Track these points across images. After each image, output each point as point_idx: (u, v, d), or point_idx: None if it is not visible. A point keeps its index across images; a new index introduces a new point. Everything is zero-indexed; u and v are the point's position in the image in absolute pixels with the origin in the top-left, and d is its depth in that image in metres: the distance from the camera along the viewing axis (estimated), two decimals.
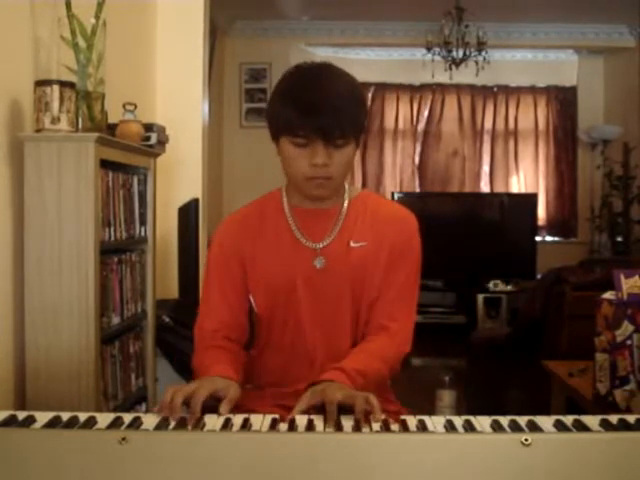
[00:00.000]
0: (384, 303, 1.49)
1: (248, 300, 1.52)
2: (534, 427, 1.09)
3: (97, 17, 2.13)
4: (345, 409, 1.17)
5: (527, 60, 6.81)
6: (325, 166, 1.36)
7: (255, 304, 1.51)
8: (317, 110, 1.32)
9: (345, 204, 1.50)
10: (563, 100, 6.76)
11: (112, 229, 2.21)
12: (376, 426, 1.13)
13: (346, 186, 1.52)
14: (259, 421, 1.13)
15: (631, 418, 1.13)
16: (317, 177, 1.38)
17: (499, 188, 6.79)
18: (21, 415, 1.10)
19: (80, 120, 2.11)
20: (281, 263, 1.47)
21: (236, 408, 1.29)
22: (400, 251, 1.49)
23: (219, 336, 1.48)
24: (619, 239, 6.18)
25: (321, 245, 1.47)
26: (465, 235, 5.99)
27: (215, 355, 1.42)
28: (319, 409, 1.19)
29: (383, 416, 1.15)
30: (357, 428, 1.11)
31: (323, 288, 1.46)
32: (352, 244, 1.47)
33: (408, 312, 1.52)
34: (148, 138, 2.58)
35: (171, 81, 3.44)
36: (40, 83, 2.01)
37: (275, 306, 1.48)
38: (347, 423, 1.13)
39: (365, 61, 6.62)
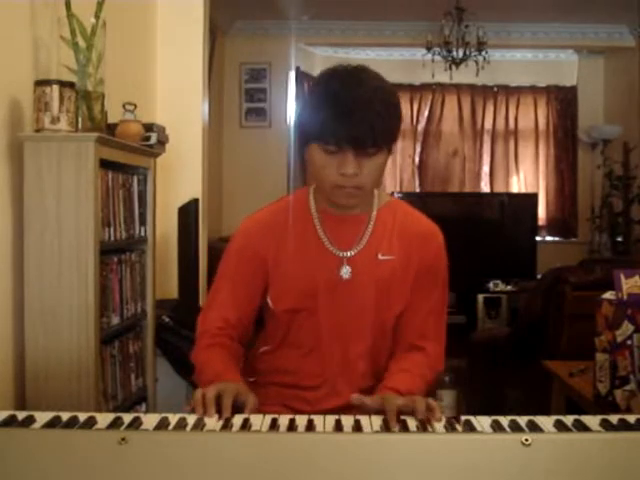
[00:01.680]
0: (416, 323, 1.48)
1: (259, 301, 1.50)
2: (534, 427, 1.08)
3: (97, 17, 2.13)
4: (405, 413, 1.17)
5: (527, 60, 6.81)
6: (355, 176, 1.32)
7: (273, 305, 1.48)
8: (349, 119, 1.28)
9: (374, 213, 1.48)
10: (563, 100, 6.76)
11: (112, 229, 2.21)
12: (376, 426, 1.13)
13: (375, 192, 1.49)
14: (259, 421, 1.13)
15: (631, 418, 1.13)
16: (346, 186, 1.34)
17: (499, 188, 6.79)
18: (21, 415, 1.10)
19: (80, 120, 2.11)
20: (305, 268, 1.44)
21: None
22: (428, 269, 1.48)
23: (222, 334, 1.46)
24: (619, 239, 6.18)
25: (348, 254, 1.45)
26: (465, 235, 5.98)
27: (222, 357, 1.42)
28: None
29: (443, 417, 1.15)
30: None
31: (346, 298, 1.44)
32: (380, 257, 1.45)
33: (440, 331, 1.52)
34: (148, 138, 2.58)
35: (171, 81, 3.44)
36: (40, 83, 2.01)
37: (294, 310, 1.46)
38: (347, 423, 1.13)
39: (365, 61, 6.52)
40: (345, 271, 1.44)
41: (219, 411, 1.17)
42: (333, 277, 1.44)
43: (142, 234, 2.52)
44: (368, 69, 1.39)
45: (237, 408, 1.21)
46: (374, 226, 1.47)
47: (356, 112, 1.28)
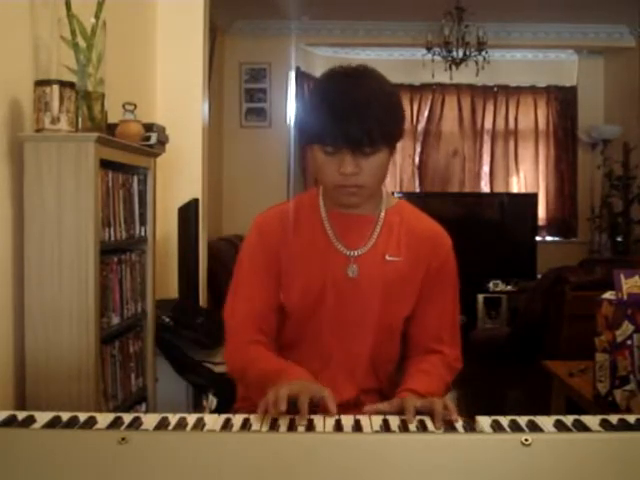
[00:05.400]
0: (430, 327, 1.50)
1: (279, 293, 1.49)
2: (534, 427, 1.09)
3: (97, 17, 2.13)
4: (423, 414, 1.17)
5: (527, 60, 6.81)
6: (354, 175, 1.34)
7: (284, 301, 1.48)
8: (344, 120, 1.30)
9: (382, 214, 1.49)
10: (563, 100, 6.76)
11: (112, 229, 2.21)
12: (376, 426, 1.13)
13: (384, 194, 1.50)
14: (259, 421, 1.13)
15: (631, 418, 1.13)
16: (347, 185, 1.36)
17: (499, 188, 6.79)
18: (21, 415, 1.10)
19: (80, 120, 2.11)
20: (313, 265, 1.46)
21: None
22: (438, 272, 1.48)
23: (254, 327, 1.45)
24: (619, 239, 6.18)
25: (356, 253, 1.46)
26: (465, 235, 5.93)
27: (270, 354, 1.42)
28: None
29: (459, 418, 1.15)
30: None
31: (352, 296, 1.45)
32: (388, 258, 1.45)
33: (455, 333, 1.53)
34: (148, 138, 2.58)
35: (171, 81, 3.44)
36: (40, 83, 2.01)
37: (302, 306, 1.47)
38: (347, 423, 1.13)
39: (365, 61, 6.54)
40: (352, 270, 1.45)
41: (290, 411, 1.14)
42: (340, 275, 1.45)
43: (142, 234, 2.52)
44: (369, 69, 1.42)
45: (314, 405, 1.18)
46: (382, 227, 1.48)
47: (352, 114, 1.30)
